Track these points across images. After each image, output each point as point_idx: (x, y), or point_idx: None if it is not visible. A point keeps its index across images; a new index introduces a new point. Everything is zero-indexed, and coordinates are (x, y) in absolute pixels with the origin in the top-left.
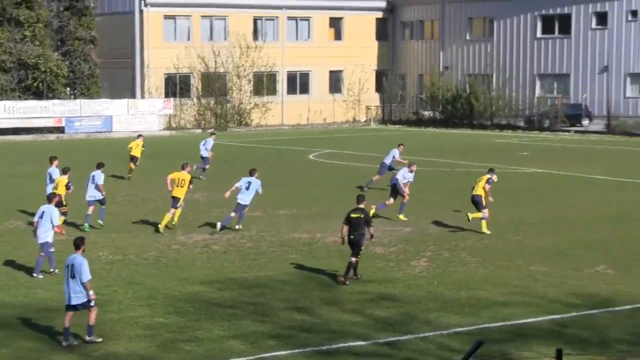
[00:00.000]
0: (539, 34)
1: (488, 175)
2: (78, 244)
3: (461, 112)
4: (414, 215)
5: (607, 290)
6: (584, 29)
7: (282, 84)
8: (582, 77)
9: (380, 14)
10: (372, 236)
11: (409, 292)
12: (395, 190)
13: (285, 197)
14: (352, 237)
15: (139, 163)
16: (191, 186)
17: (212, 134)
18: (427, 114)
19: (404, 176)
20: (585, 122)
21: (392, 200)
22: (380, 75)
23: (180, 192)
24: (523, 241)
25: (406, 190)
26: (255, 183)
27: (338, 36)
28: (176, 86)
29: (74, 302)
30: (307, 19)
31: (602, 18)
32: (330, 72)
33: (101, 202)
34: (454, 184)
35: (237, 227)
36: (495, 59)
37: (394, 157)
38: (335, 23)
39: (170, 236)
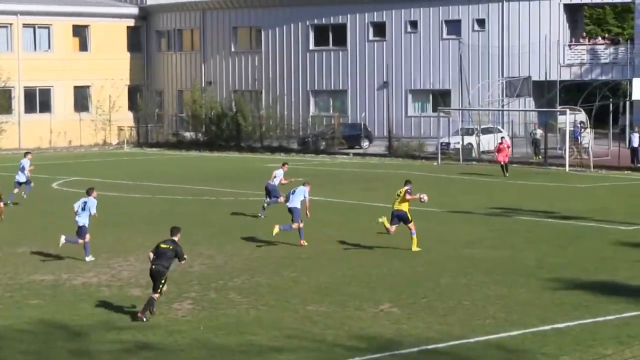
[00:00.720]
0: (311, 46)
1: (406, 188)
2: None
3: (227, 133)
4: None
5: (392, 331)
6: (360, 40)
7: (18, 101)
8: (360, 94)
9: (132, 22)
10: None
11: (171, 340)
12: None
13: (26, 233)
14: (153, 267)
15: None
16: None
17: (26, 154)
18: (188, 135)
19: (305, 196)
20: (365, 143)
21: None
22: (133, 92)
23: None
24: (299, 278)
25: (308, 213)
26: (91, 202)
27: (84, 46)
28: None
29: None
30: (46, 27)
31: (379, 29)
32: (76, 87)
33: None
34: (220, 214)
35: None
36: (265, 73)
37: (276, 177)
38: (79, 31)
39: None
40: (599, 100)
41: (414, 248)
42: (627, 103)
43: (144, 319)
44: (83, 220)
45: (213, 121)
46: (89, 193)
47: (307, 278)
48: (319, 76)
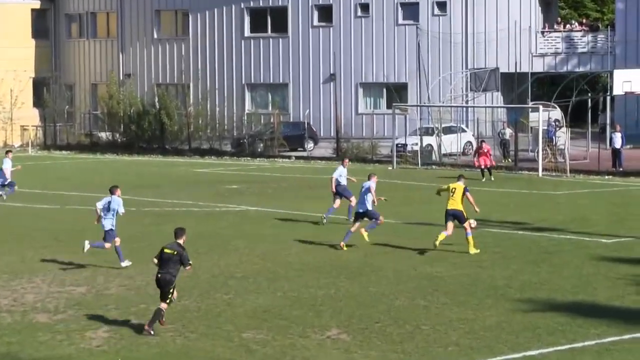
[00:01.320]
0: (247, 33)
1: (463, 185)
2: None
3: (149, 133)
4: (89, 271)
5: None
6: (303, 26)
7: None
8: (304, 88)
9: (37, 4)
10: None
11: None
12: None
13: None
14: (159, 275)
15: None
16: None
17: (7, 152)
18: (104, 136)
19: (372, 191)
20: (309, 145)
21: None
22: (39, 85)
23: None
24: (233, 300)
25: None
26: (116, 202)
27: None
28: None
29: None
30: None
31: (325, 12)
32: None
33: None
34: (139, 228)
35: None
36: (193, 64)
37: (342, 176)
38: None
39: None
40: (575, 95)
41: (472, 250)
42: (608, 98)
43: (152, 332)
44: (108, 223)
45: (133, 120)
46: (112, 192)
47: (243, 300)
48: (255, 67)
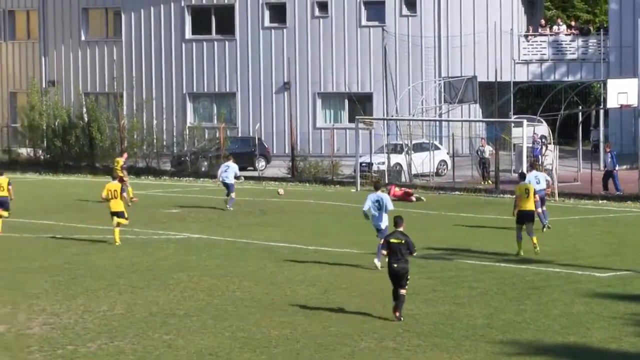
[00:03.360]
0: (188, 34)
1: (529, 184)
2: None
3: (77, 149)
4: (8, 307)
5: None
6: (253, 27)
7: None
8: (254, 99)
9: None
10: None
11: None
12: None
13: None
14: (395, 265)
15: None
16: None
17: None
18: (24, 152)
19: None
20: (261, 164)
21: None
22: None
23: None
24: (174, 342)
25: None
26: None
27: None
28: None
29: None
30: None
31: (278, 12)
32: None
33: None
34: (63, 258)
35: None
36: (127, 70)
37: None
38: None
39: None
40: (564, 107)
41: (538, 249)
42: (601, 112)
43: (402, 318)
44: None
45: (57, 134)
46: (377, 188)
47: (185, 342)
48: (198, 74)
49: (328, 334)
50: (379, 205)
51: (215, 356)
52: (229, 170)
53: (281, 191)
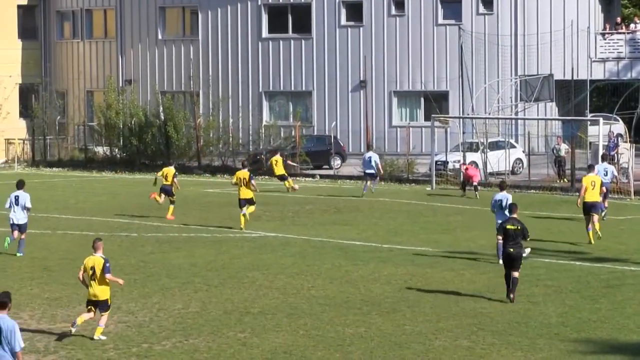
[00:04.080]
0: (265, 33)
1: (596, 176)
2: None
3: (153, 148)
4: (83, 305)
5: None
6: (329, 25)
7: None
8: (329, 97)
9: (24, 0)
10: None
11: None
12: None
13: None
14: (511, 250)
15: None
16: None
17: None
18: (101, 150)
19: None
20: (336, 162)
21: None
22: (27, 93)
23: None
24: (249, 340)
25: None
26: None
27: None
28: None
29: None
30: None
31: (355, 10)
32: None
33: (22, 228)
34: (139, 256)
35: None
36: (203, 69)
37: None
38: None
39: None
40: None
41: (599, 234)
42: None
43: (514, 300)
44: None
45: (134, 132)
46: (502, 188)
47: (260, 340)
48: (274, 73)
49: (402, 332)
50: (501, 205)
51: (289, 354)
52: None
53: (296, 186)
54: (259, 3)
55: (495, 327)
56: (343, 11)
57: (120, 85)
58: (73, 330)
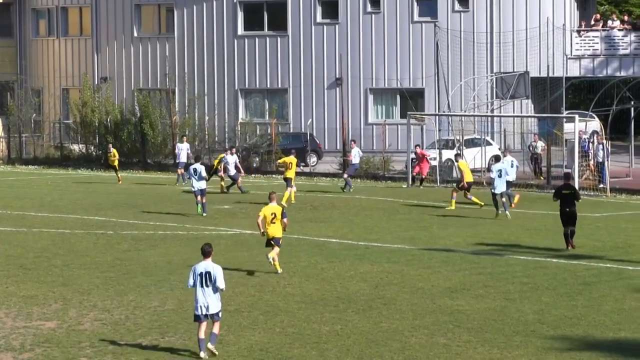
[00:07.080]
0: (241, 31)
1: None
2: (207, 250)
3: (129, 145)
4: (59, 303)
5: None
6: (305, 23)
7: None
8: (305, 94)
9: None
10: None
11: None
12: None
13: None
14: (567, 209)
15: None
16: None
17: None
18: (76, 148)
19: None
20: (312, 159)
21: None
22: (3, 90)
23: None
24: (225, 337)
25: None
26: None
27: None
28: None
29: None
30: None
31: (330, 8)
32: None
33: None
34: (115, 254)
35: None
36: (178, 66)
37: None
38: None
39: None
40: (616, 103)
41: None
42: None
43: (575, 246)
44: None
45: (110, 130)
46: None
47: (236, 337)
48: (250, 70)
49: (378, 329)
50: (500, 173)
51: (265, 352)
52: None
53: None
54: (235, 1)
55: (472, 325)
56: (319, 9)
57: (96, 82)
58: (270, 263)
